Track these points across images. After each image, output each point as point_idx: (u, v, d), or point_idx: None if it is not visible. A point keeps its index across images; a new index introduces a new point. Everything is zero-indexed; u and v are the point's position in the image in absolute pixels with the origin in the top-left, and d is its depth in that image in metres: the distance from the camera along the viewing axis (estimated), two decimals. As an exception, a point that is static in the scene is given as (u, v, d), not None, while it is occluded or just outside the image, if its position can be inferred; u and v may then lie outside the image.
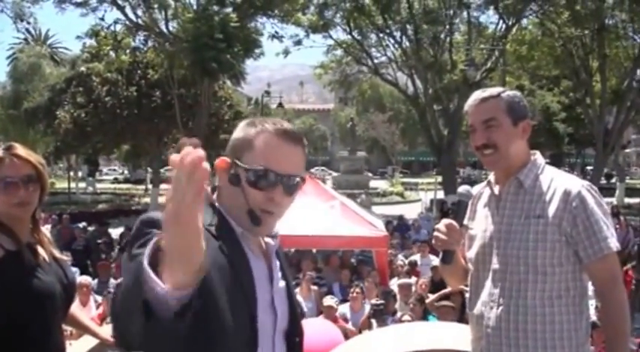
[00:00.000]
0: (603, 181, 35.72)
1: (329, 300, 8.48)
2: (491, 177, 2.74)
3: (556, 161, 47.13)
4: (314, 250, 12.56)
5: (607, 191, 31.74)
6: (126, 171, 62.84)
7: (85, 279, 9.56)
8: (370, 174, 48.39)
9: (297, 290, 9.97)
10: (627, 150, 49.53)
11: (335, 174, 50.04)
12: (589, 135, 32.04)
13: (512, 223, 2.56)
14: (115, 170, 68.91)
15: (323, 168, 74.94)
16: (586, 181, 2.60)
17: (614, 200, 29.98)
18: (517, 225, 2.54)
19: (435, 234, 2.66)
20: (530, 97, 35.10)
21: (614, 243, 2.47)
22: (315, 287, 10.37)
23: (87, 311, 9.10)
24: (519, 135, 2.60)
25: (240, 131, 1.98)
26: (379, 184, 46.72)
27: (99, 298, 9.46)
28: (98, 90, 26.68)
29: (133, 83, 26.61)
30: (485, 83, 32.40)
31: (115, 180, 58.30)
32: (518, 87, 34.65)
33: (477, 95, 2.64)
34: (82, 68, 27.71)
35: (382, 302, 8.58)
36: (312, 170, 71.83)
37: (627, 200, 32.40)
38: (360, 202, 24.95)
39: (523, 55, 29.02)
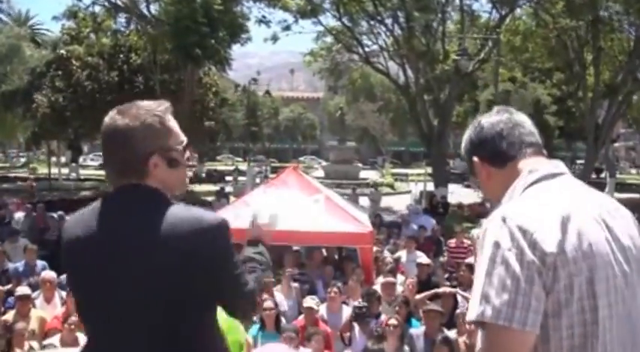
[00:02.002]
0: (593, 176, 35.34)
1: (309, 301, 7.92)
2: None
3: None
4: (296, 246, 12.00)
5: (597, 185, 31.06)
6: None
7: (49, 274, 8.95)
8: (360, 165, 47.95)
9: (278, 287, 9.45)
10: (616, 144, 49.26)
11: (324, 163, 49.62)
12: (580, 129, 31.68)
13: None
14: (100, 155, 68.00)
15: (312, 156, 74.57)
16: (510, 211, 1.86)
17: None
18: None
19: None
20: (522, 89, 34.66)
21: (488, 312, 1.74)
22: (296, 285, 9.83)
23: (51, 308, 8.56)
24: (483, 176, 2.18)
25: (142, 124, 2.10)
26: (369, 174, 46.33)
27: (64, 294, 8.77)
28: (78, 74, 25.92)
29: (114, 68, 25.91)
30: (478, 74, 32.02)
31: (101, 166, 57.41)
32: (510, 79, 34.28)
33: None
34: (62, 51, 26.88)
35: (365, 304, 8.03)
36: (302, 158, 71.63)
37: (617, 195, 32.04)
38: (371, 197, 24.52)
39: (517, 45, 28.57)
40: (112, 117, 2.10)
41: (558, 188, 1.95)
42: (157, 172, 2.11)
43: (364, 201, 23.88)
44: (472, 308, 1.79)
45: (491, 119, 2.12)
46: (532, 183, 1.98)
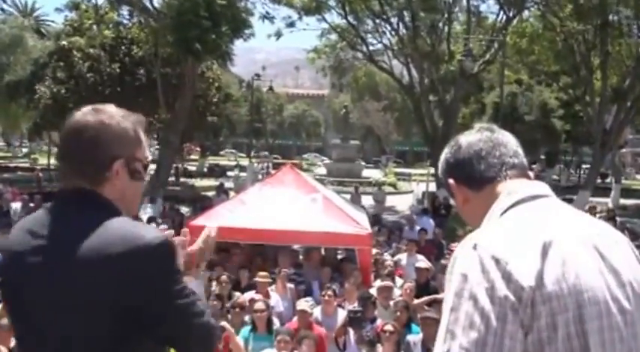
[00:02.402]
0: (598, 181, 35.12)
1: (303, 304, 7.72)
2: None
3: (551, 158, 46.59)
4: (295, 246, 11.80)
5: (602, 191, 31.16)
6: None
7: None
8: (363, 163, 47.81)
9: (273, 287, 9.26)
10: (623, 150, 48.99)
11: (327, 160, 49.51)
12: (586, 134, 31.39)
13: None
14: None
15: (316, 154, 74.46)
16: (482, 237, 1.62)
17: (609, 201, 29.35)
18: None
19: None
20: (528, 92, 34.38)
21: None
22: (291, 285, 9.64)
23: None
24: (459, 200, 1.95)
25: (117, 125, 1.95)
26: (372, 173, 46.17)
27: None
28: (79, 65, 25.71)
29: (116, 60, 25.68)
30: (483, 76, 31.80)
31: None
32: (516, 81, 34.05)
33: None
34: (64, 42, 26.67)
35: (360, 309, 7.81)
36: (305, 155, 71.54)
37: (622, 201, 31.80)
38: (374, 196, 24.31)
39: (523, 48, 28.29)
40: (85, 112, 1.94)
41: (540, 210, 1.70)
42: (117, 180, 1.94)
43: (367, 200, 23.64)
44: (437, 346, 1.55)
45: (469, 138, 1.90)
46: (510, 207, 1.74)
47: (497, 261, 1.50)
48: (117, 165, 1.92)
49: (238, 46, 22.76)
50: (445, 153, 1.95)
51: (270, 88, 41.78)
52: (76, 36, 26.27)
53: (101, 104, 1.99)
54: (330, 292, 8.24)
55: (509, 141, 1.89)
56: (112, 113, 1.94)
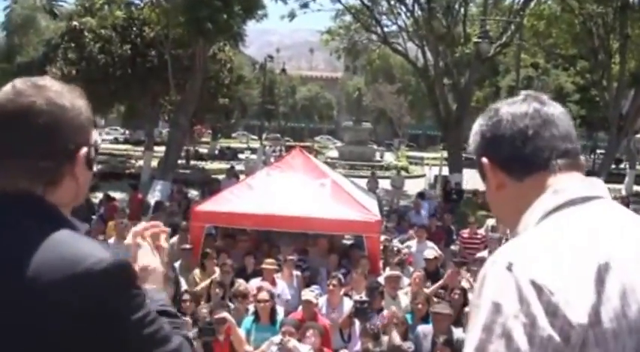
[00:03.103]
0: (612, 166, 34.69)
1: (308, 294, 7.54)
2: None
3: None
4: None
5: (616, 177, 30.72)
6: (127, 132, 61.90)
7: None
8: (375, 146, 47.53)
9: (279, 274, 9.08)
10: (638, 136, 48.43)
11: (340, 143, 49.30)
12: (602, 119, 30.92)
13: None
14: (117, 129, 67.96)
15: (328, 136, 74.21)
16: (520, 254, 1.25)
17: (623, 187, 28.92)
18: None
19: None
20: (544, 76, 33.89)
21: None
22: (298, 273, 9.46)
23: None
24: (492, 185, 1.52)
25: (71, 106, 1.52)
26: (384, 156, 45.90)
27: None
28: (90, 46, 25.51)
29: (127, 41, 25.44)
30: (499, 59, 31.33)
31: (115, 140, 57.44)
32: (532, 64, 33.56)
33: None
34: (75, 23, 26.46)
35: (366, 299, 7.60)
36: (317, 138, 71.32)
37: (636, 188, 31.33)
38: (392, 182, 24.06)
39: (540, 30, 27.74)
40: (23, 90, 1.49)
41: (593, 218, 1.33)
42: (79, 174, 1.54)
43: (384, 184, 23.36)
44: None
45: (513, 109, 1.48)
46: (555, 209, 1.37)
47: (539, 290, 1.18)
48: (81, 156, 1.53)
49: (252, 27, 22.51)
50: (480, 124, 1.55)
51: (283, 70, 41.46)
52: (88, 16, 26.07)
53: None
54: (335, 281, 8.03)
55: (561, 119, 1.48)
56: (58, 89, 1.52)
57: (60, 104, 1.49)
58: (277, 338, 6.55)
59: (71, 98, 1.53)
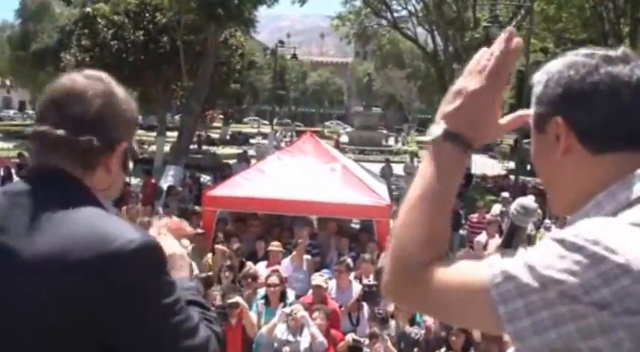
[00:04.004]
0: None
1: (318, 279, 7.66)
2: None
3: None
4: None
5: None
6: (140, 117, 62.10)
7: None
8: (385, 131, 47.56)
9: (288, 258, 9.26)
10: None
11: (350, 128, 49.35)
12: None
13: None
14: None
15: (338, 122, 74.22)
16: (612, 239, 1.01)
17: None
18: None
19: None
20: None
21: None
22: (308, 256, 9.62)
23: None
24: (557, 149, 1.22)
25: (125, 102, 1.60)
26: (393, 141, 45.93)
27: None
28: (104, 33, 25.69)
29: (140, 27, 25.59)
30: (509, 43, 31.22)
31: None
32: (542, 49, 33.38)
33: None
34: (88, 9, 26.66)
35: (375, 283, 7.78)
36: (327, 123, 71.33)
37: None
38: (405, 168, 24.13)
39: (550, 15, 27.67)
40: (89, 76, 1.56)
41: None
42: (112, 166, 1.57)
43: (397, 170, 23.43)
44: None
45: (617, 70, 1.18)
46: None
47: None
48: (120, 149, 1.57)
49: (263, 13, 22.61)
50: (567, 73, 1.21)
51: (294, 56, 41.48)
52: (101, 3, 26.25)
53: (122, 72, 1.54)
54: (343, 266, 8.20)
55: None
56: (115, 84, 1.60)
57: (115, 95, 1.57)
58: (288, 309, 6.77)
59: (125, 95, 1.61)
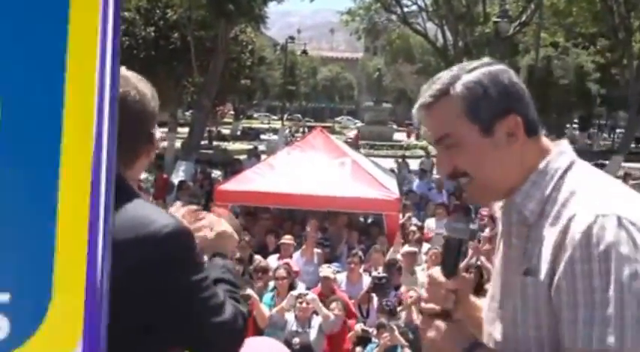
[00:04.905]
0: (633, 146, 34.51)
1: (326, 270, 7.77)
2: None
3: (585, 122, 45.81)
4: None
5: (635, 156, 30.61)
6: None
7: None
8: (395, 126, 47.65)
9: (299, 251, 9.38)
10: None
11: (360, 123, 49.45)
12: (623, 98, 30.76)
13: (508, 277, 1.58)
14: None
15: (349, 117, 74.33)
16: (617, 208, 1.38)
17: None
18: (510, 282, 1.56)
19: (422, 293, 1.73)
20: (564, 55, 33.75)
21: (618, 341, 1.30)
22: (319, 250, 9.73)
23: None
24: (501, 143, 1.51)
25: (152, 97, 1.74)
26: (404, 136, 45.97)
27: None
28: (114, 29, 25.85)
29: (150, 23, 25.73)
30: (519, 38, 31.25)
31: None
32: (552, 44, 33.37)
33: (421, 95, 1.58)
34: (99, 6, 26.81)
35: (384, 275, 7.89)
36: (338, 118, 71.44)
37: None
38: (421, 165, 24.07)
39: (560, 9, 27.64)
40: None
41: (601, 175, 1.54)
42: (145, 159, 1.78)
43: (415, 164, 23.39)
44: (606, 334, 1.31)
45: (509, 74, 1.54)
46: (568, 168, 1.51)
47: (631, 227, 1.34)
48: (156, 139, 1.78)
49: (273, 9, 22.71)
50: (498, 75, 1.52)
51: (304, 51, 41.61)
52: (110, -1, 26.39)
53: (133, 68, 1.73)
54: (355, 259, 8.33)
55: None
56: (139, 79, 1.74)
57: (145, 93, 1.71)
58: (296, 292, 6.88)
59: (149, 88, 1.74)
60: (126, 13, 25.82)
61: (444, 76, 1.55)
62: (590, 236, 1.33)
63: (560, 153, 1.53)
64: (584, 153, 36.89)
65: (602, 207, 1.37)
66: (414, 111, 1.61)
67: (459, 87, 1.51)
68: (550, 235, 1.44)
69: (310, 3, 29.19)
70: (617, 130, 46.61)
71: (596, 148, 40.16)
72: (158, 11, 25.81)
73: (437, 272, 1.64)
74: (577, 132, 45.65)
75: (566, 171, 1.50)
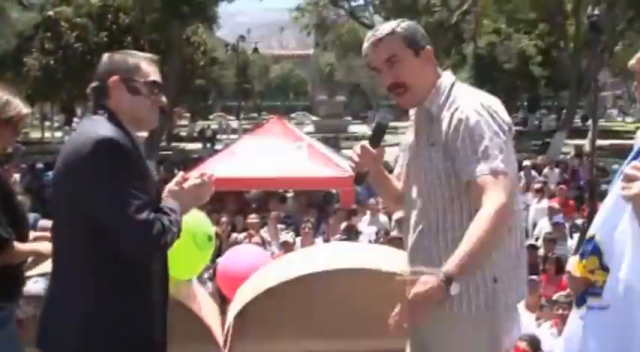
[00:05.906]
0: (580, 123, 35.93)
1: (285, 236, 8.56)
2: None
3: (533, 103, 47.44)
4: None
5: (582, 133, 31.94)
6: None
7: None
8: (350, 119, 48.19)
9: (265, 228, 10.08)
10: (604, 93, 49.67)
11: (315, 118, 49.82)
12: (565, 78, 32.03)
13: (419, 149, 2.54)
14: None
15: (304, 112, 74.65)
16: (478, 100, 2.40)
17: (585, 141, 30.19)
18: (421, 154, 2.51)
19: (349, 155, 2.67)
20: (506, 41, 34.94)
21: (493, 165, 2.26)
22: (282, 226, 10.44)
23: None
24: (424, 63, 2.48)
25: (120, 56, 2.37)
26: (360, 129, 46.55)
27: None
28: (67, 36, 26.04)
29: (103, 28, 26.03)
30: (463, 27, 32.28)
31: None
32: (494, 30, 34.50)
33: (371, 35, 2.49)
34: (50, 13, 26.93)
35: (345, 237, 8.61)
36: (293, 114, 71.72)
37: (600, 142, 32.49)
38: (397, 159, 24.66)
39: (501, -4, 28.74)
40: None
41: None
42: (116, 94, 2.27)
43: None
44: (487, 162, 2.27)
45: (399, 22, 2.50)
46: (452, 85, 2.51)
47: (477, 110, 2.36)
48: (112, 79, 2.25)
49: (223, 9, 23.16)
50: (418, 26, 2.54)
51: (255, 50, 41.99)
52: (63, 6, 26.50)
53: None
54: (309, 224, 9.08)
55: None
56: (130, 51, 2.45)
57: (113, 55, 2.41)
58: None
59: (128, 54, 2.43)
60: (78, 19, 26.08)
61: (385, 26, 2.50)
62: (468, 118, 2.35)
63: (446, 75, 2.52)
64: (534, 133, 38.18)
65: (474, 102, 2.38)
66: (365, 46, 2.51)
67: (399, 29, 2.46)
68: (444, 122, 2.40)
69: (260, 2, 29.62)
70: (564, 110, 48.05)
71: (544, 128, 41.46)
72: (110, 16, 26.08)
73: (366, 143, 2.57)
74: (528, 114, 47.12)
75: (452, 86, 2.48)
